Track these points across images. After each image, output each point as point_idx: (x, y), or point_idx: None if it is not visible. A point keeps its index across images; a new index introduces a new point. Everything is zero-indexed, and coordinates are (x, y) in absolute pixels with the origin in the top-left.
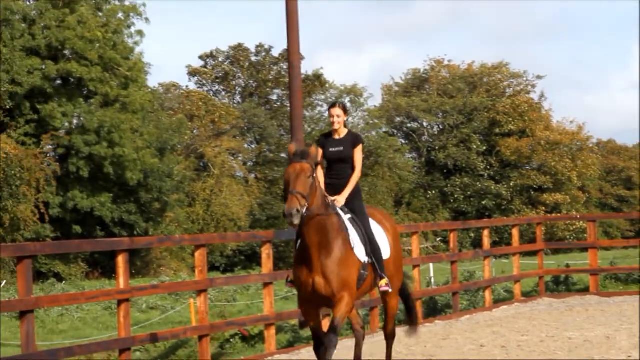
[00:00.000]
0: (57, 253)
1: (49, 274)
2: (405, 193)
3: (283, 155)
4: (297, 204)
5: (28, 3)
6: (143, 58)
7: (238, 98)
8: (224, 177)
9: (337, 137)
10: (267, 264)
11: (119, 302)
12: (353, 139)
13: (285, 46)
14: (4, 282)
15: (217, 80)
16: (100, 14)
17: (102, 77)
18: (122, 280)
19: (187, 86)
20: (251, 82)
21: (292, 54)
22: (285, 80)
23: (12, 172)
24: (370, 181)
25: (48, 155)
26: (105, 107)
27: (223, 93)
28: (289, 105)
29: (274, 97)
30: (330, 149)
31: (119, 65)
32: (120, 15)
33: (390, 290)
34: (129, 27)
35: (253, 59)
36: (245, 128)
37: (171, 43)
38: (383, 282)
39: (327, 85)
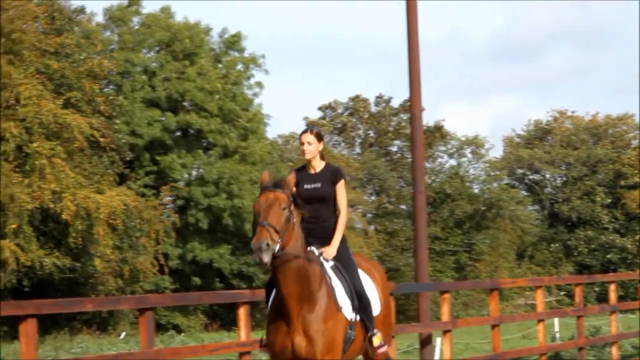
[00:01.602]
0: (177, 305)
1: (167, 325)
2: (528, 246)
3: (403, 206)
4: (267, 237)
5: (148, 55)
6: (262, 109)
7: (357, 149)
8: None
9: (312, 171)
10: None
11: (240, 355)
12: (332, 174)
13: (405, 97)
14: (123, 334)
15: (336, 132)
16: (220, 65)
17: (222, 128)
18: (243, 333)
19: None
20: (371, 133)
21: (413, 105)
22: (406, 131)
23: (132, 223)
24: (491, 234)
25: (167, 206)
26: (225, 158)
27: (342, 144)
28: (409, 156)
29: (394, 148)
30: (305, 186)
31: (238, 117)
32: (239, 66)
33: (387, 349)
34: (248, 78)
35: (372, 109)
36: (365, 179)
37: (290, 94)
38: (376, 339)
39: (447, 137)
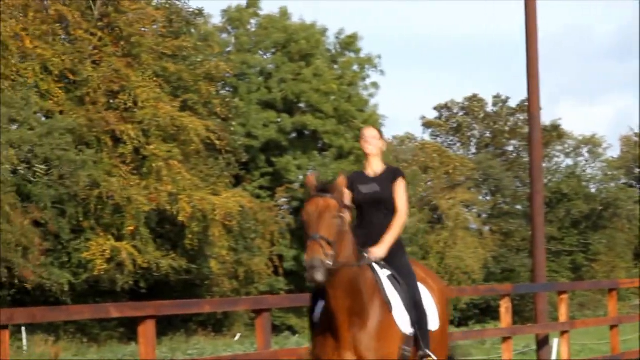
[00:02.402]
0: (293, 306)
1: (282, 326)
2: None
3: (519, 207)
4: (320, 252)
5: (265, 57)
6: (378, 110)
7: (473, 149)
8: (458, 230)
9: (370, 173)
10: (505, 318)
11: None
12: (391, 174)
13: (522, 96)
14: (238, 335)
15: (452, 132)
16: (336, 66)
17: (337, 129)
18: None
19: (422, 138)
20: (487, 133)
21: (532, 104)
22: (522, 130)
23: (247, 225)
24: (608, 234)
25: (282, 208)
26: (340, 159)
27: (458, 144)
28: (525, 156)
29: (510, 148)
30: (362, 189)
31: (354, 118)
32: (355, 67)
33: None
34: (363, 79)
35: (489, 109)
36: (480, 180)
37: (405, 95)
38: None
39: (565, 136)
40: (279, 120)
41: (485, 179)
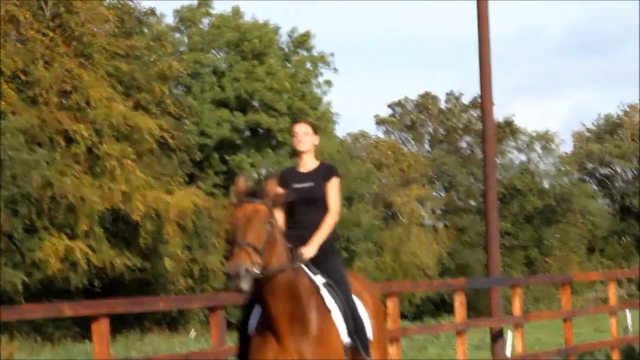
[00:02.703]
0: None
1: (237, 323)
2: (599, 240)
3: (473, 202)
4: (247, 259)
5: (217, 56)
6: (331, 108)
7: (427, 146)
8: (413, 226)
9: (303, 170)
10: (460, 312)
11: None
12: (325, 172)
13: (475, 93)
14: (194, 333)
15: (405, 129)
16: (289, 64)
17: (290, 127)
18: None
19: (376, 135)
20: (440, 129)
21: (484, 100)
22: (476, 127)
23: (202, 223)
24: (561, 228)
25: None
26: (294, 157)
27: (412, 142)
28: (479, 152)
29: (464, 145)
30: (295, 185)
31: (308, 115)
32: (308, 65)
33: None
34: (317, 77)
35: (442, 106)
36: (434, 176)
37: (359, 93)
38: None
39: (518, 132)
40: (232, 118)
41: (439, 175)
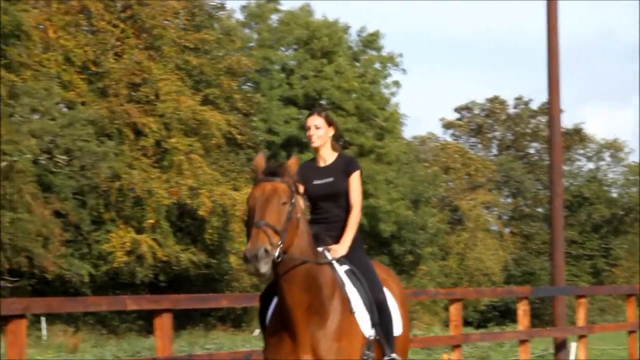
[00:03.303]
0: None
1: None
2: None
3: (540, 209)
4: (266, 241)
5: (287, 53)
6: (399, 109)
7: (494, 151)
8: (479, 231)
9: (321, 164)
10: (523, 320)
11: None
12: (345, 165)
13: (544, 99)
14: (257, 331)
15: (472, 133)
16: (357, 64)
17: (358, 127)
18: None
19: (443, 138)
20: (508, 135)
21: (552, 107)
22: (544, 133)
23: None
24: (629, 239)
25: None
26: (361, 157)
27: (479, 146)
28: (547, 159)
29: (531, 151)
30: (315, 182)
31: (375, 116)
32: (377, 65)
33: None
34: (385, 77)
35: (510, 111)
36: (501, 181)
37: (426, 94)
38: None
39: (586, 140)
40: (299, 116)
41: (506, 180)
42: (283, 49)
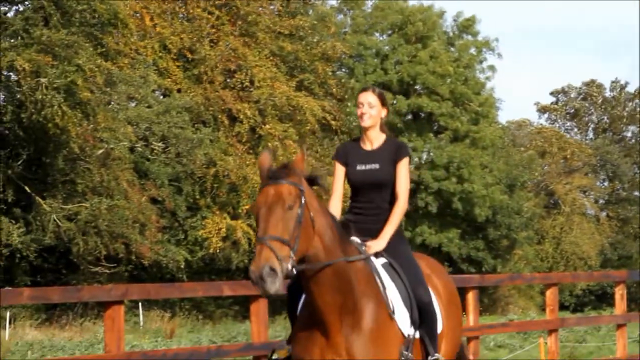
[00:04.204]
0: None
1: None
2: None
3: (637, 193)
4: (270, 257)
5: (381, 38)
6: (494, 93)
7: (590, 135)
8: (575, 215)
9: (367, 147)
10: (620, 305)
11: (468, 340)
12: (394, 151)
13: None
14: None
15: (569, 117)
16: (452, 49)
17: (453, 112)
18: (471, 317)
19: (540, 123)
20: (604, 118)
21: None
22: None
23: None
24: None
25: None
26: (455, 142)
27: (575, 129)
28: None
29: (628, 134)
30: (358, 167)
31: (470, 101)
32: (472, 50)
33: None
34: (480, 62)
35: (607, 94)
36: (598, 165)
37: (521, 78)
38: None
39: None
40: (394, 102)
41: (603, 164)
42: (377, 34)
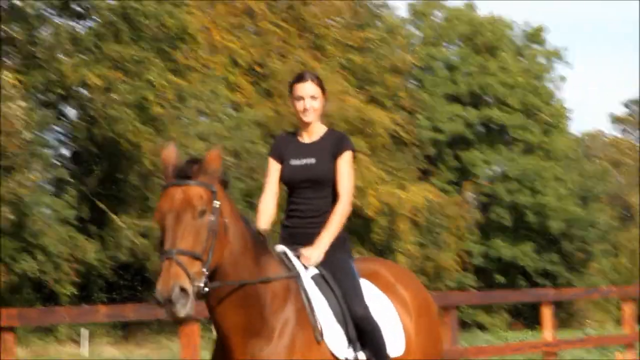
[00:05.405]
0: (482, 303)
1: (471, 323)
2: None
3: None
4: (180, 276)
5: (450, 50)
6: (564, 104)
7: None
8: None
9: (305, 139)
10: None
11: (545, 355)
12: (334, 143)
13: None
14: None
15: None
16: (522, 59)
17: (524, 123)
18: (548, 333)
19: (612, 134)
20: None
21: None
22: None
23: (435, 219)
24: None
25: (470, 203)
26: (527, 154)
27: None
28: None
29: None
30: (292, 162)
31: (541, 111)
32: (542, 60)
33: None
34: (550, 72)
35: None
36: None
37: (592, 88)
38: None
39: None
40: (464, 113)
41: None
42: (447, 45)
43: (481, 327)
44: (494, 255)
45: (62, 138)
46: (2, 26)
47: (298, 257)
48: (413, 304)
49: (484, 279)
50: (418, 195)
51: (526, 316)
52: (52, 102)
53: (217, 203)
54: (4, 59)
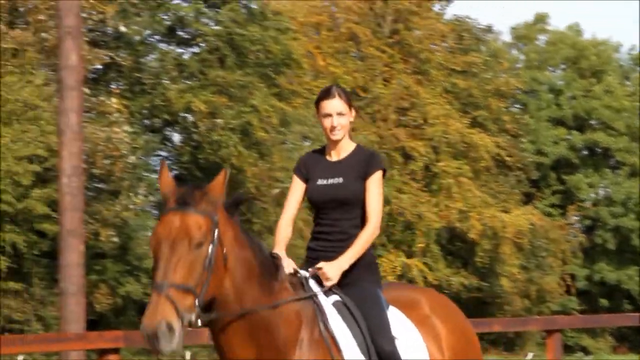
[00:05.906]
0: (586, 327)
1: (575, 347)
2: None
3: None
4: (168, 313)
5: (554, 73)
6: None
7: None
8: None
9: (333, 157)
10: None
11: None
12: (364, 162)
13: None
14: (530, 355)
15: None
16: (628, 82)
17: (630, 147)
18: None
19: None
20: None
21: None
22: None
23: (538, 243)
24: None
25: (574, 226)
26: (633, 177)
27: None
28: None
29: None
30: (319, 182)
31: None
32: None
33: None
34: None
35: None
36: None
37: None
38: None
39: None
40: (569, 137)
41: None
42: (551, 69)
43: (585, 350)
44: (597, 278)
45: (167, 162)
46: (109, 52)
47: (316, 272)
48: (449, 339)
49: (587, 303)
50: (522, 218)
51: (631, 340)
52: (158, 127)
53: (217, 233)
54: (110, 84)
